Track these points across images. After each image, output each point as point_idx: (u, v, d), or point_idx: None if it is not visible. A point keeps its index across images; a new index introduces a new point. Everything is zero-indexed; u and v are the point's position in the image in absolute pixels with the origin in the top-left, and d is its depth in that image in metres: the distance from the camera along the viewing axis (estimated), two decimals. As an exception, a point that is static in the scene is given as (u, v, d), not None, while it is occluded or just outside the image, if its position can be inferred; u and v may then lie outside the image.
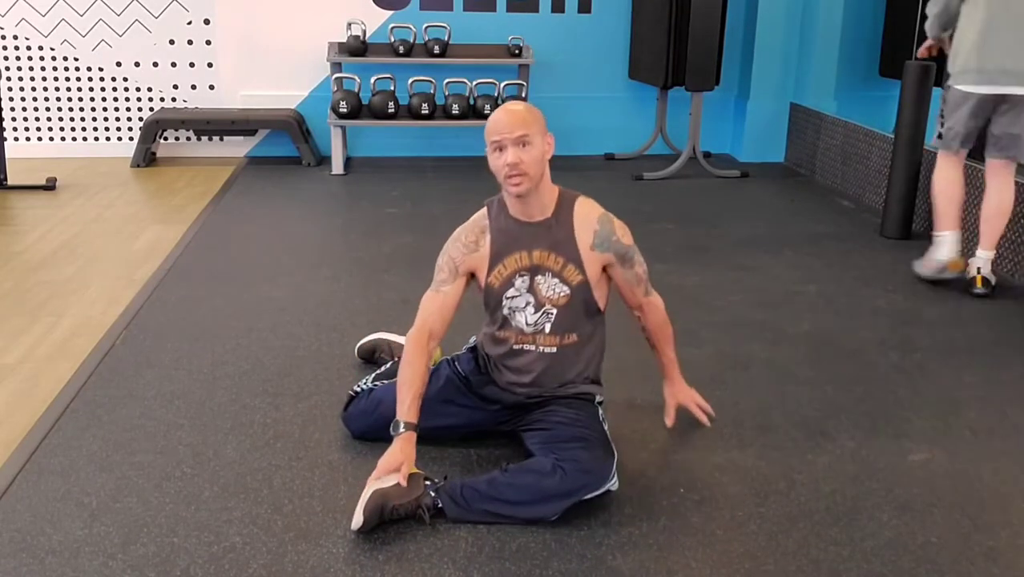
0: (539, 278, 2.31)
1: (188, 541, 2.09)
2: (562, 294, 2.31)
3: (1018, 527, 2.21)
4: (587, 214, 2.33)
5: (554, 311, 2.32)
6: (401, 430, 2.23)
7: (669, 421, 2.61)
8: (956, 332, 3.42)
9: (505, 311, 2.34)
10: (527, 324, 2.34)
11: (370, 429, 2.50)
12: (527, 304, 2.33)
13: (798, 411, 2.77)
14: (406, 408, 2.26)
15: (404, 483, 2.15)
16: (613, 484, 2.22)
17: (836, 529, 2.18)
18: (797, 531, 2.17)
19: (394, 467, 2.18)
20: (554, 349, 2.35)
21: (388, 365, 2.76)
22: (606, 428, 2.38)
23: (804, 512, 2.25)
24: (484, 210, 2.40)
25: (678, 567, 2.03)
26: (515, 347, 2.36)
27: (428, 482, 2.20)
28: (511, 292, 2.33)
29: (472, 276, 2.40)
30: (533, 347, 2.35)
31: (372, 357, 2.99)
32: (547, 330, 2.33)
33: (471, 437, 2.53)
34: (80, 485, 2.30)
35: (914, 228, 4.61)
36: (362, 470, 2.36)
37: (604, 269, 2.36)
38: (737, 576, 2.01)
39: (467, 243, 2.37)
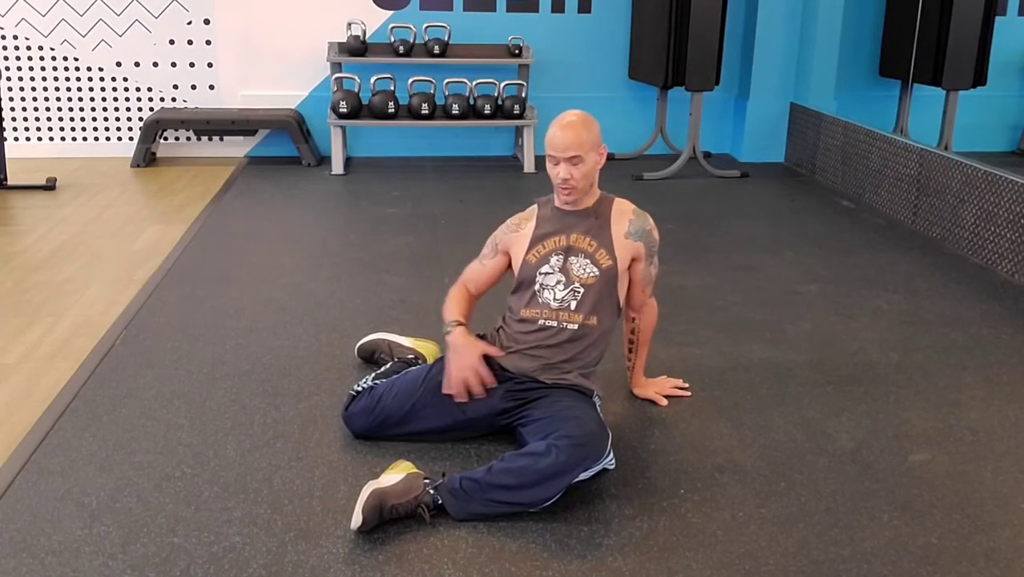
0: (572, 259, 2.50)
1: (188, 541, 2.09)
2: (591, 275, 2.49)
3: (1018, 527, 2.21)
4: (624, 209, 2.57)
5: (582, 290, 2.48)
6: (450, 328, 2.49)
7: (665, 402, 2.80)
8: (956, 332, 3.42)
9: (536, 286, 2.51)
10: (555, 300, 2.48)
11: (371, 427, 2.51)
12: (558, 282, 2.49)
13: (798, 411, 2.77)
14: (453, 313, 2.54)
15: (493, 354, 2.47)
16: (609, 462, 2.23)
17: (836, 529, 2.18)
18: (797, 531, 2.17)
19: (471, 362, 2.41)
20: (576, 326, 2.47)
21: (388, 365, 2.76)
22: (601, 417, 2.41)
23: (804, 512, 2.25)
24: (535, 204, 2.63)
25: (678, 568, 2.03)
26: (540, 322, 2.49)
27: (427, 480, 2.20)
28: (545, 268, 2.51)
29: (510, 260, 2.61)
30: (556, 323, 2.48)
31: (372, 357, 2.99)
32: (572, 307, 2.48)
33: (469, 437, 2.53)
34: (80, 485, 2.30)
35: None
36: (362, 470, 2.37)
37: (629, 265, 2.55)
38: (737, 576, 2.01)
39: (511, 225, 2.62)
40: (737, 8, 6.33)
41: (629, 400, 2.82)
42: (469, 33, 6.24)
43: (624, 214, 2.55)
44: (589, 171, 2.44)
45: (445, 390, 2.45)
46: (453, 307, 2.57)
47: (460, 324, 2.51)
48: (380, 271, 4.01)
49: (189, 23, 6.15)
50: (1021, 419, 2.75)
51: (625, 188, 5.57)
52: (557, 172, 2.43)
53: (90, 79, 6.19)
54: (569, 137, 2.39)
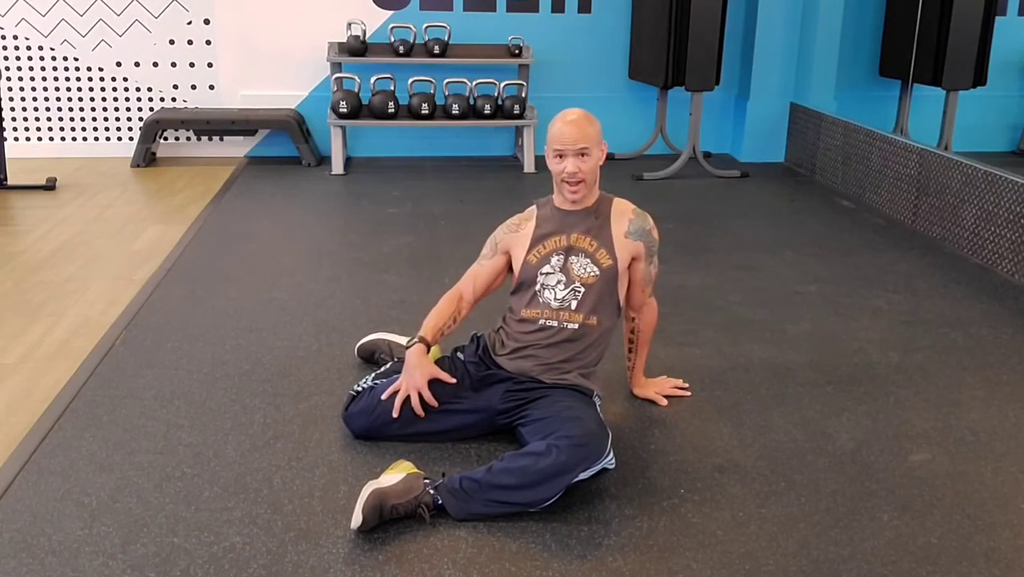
0: (573, 258, 2.51)
1: (188, 541, 2.09)
2: (592, 274, 2.49)
3: (1018, 527, 2.21)
4: (624, 208, 2.57)
5: (582, 289, 2.49)
6: (412, 341, 2.51)
7: (665, 402, 2.80)
8: (956, 332, 3.42)
9: (537, 286, 2.51)
10: (555, 299, 2.49)
11: (371, 427, 2.51)
12: (558, 281, 2.50)
13: (798, 411, 2.77)
14: (425, 328, 2.54)
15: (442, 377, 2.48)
16: (609, 462, 2.23)
17: (836, 530, 2.18)
18: (797, 532, 2.17)
19: (417, 384, 2.44)
20: (576, 326, 2.48)
21: (388, 365, 2.76)
22: (601, 417, 2.42)
23: (804, 512, 2.25)
24: (534, 205, 2.63)
25: (678, 568, 2.03)
26: (540, 322, 2.50)
27: (427, 480, 2.20)
28: (546, 268, 2.51)
29: (509, 260, 2.60)
30: (556, 323, 2.49)
31: (372, 357, 2.99)
32: (573, 307, 2.49)
33: (469, 437, 2.53)
34: (80, 485, 2.30)
35: None
36: (362, 470, 2.37)
37: (629, 264, 2.55)
38: None
39: (511, 225, 2.62)
40: (737, 8, 6.33)
41: (629, 400, 2.82)
42: (469, 33, 6.24)
43: (624, 213, 2.55)
44: (595, 165, 2.47)
45: (385, 397, 2.48)
46: (431, 319, 2.57)
47: (423, 341, 2.51)
48: (380, 271, 4.01)
49: (189, 23, 6.15)
50: (1021, 419, 2.75)
51: (625, 188, 5.57)
52: (563, 167, 2.43)
53: (90, 79, 6.19)
54: (576, 131, 2.41)
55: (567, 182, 2.45)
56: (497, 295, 2.71)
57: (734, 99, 6.60)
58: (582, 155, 2.42)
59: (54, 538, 2.09)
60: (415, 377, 2.46)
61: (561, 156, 2.43)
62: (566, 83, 6.43)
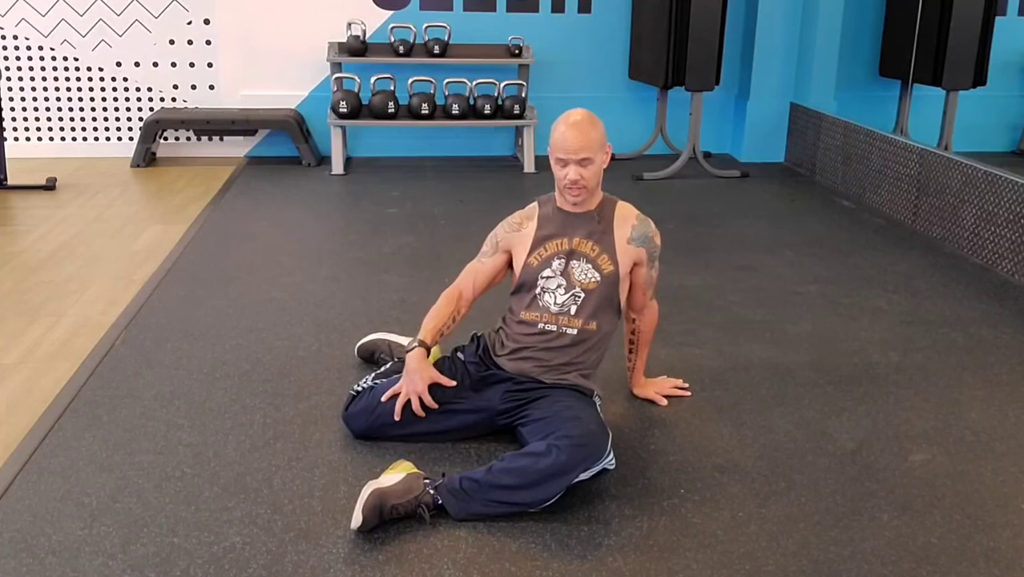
0: (574, 263, 2.49)
1: (188, 541, 2.09)
2: (593, 280, 2.48)
3: (1018, 527, 2.21)
4: (627, 213, 2.55)
5: (582, 295, 2.47)
6: (413, 345, 2.48)
7: (665, 402, 2.80)
8: (956, 332, 3.42)
9: (537, 290, 2.50)
10: (555, 304, 2.48)
11: (371, 427, 2.51)
12: (559, 285, 2.49)
13: (798, 411, 2.77)
14: (424, 331, 2.51)
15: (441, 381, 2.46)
16: (609, 462, 2.23)
17: (836, 530, 2.18)
18: (797, 532, 2.17)
19: (418, 388, 2.42)
20: (575, 331, 2.47)
21: (388, 365, 2.76)
22: (601, 416, 2.42)
23: (804, 512, 2.25)
24: (536, 203, 2.60)
25: (678, 568, 2.03)
26: (539, 326, 2.49)
27: (427, 480, 2.20)
28: (547, 272, 2.50)
29: (510, 258, 2.58)
30: (555, 327, 2.48)
31: (372, 357, 2.99)
32: (572, 312, 2.47)
33: (469, 437, 2.54)
34: (80, 485, 2.30)
35: None
36: (362, 470, 2.37)
37: (630, 270, 2.54)
38: None
39: (512, 224, 2.59)
40: (737, 8, 6.33)
41: (629, 400, 2.82)
42: (469, 33, 6.24)
43: (627, 219, 2.54)
44: (598, 170, 2.44)
45: (385, 399, 2.47)
46: (430, 321, 2.53)
47: (423, 345, 2.48)
48: (380, 271, 4.01)
49: (189, 23, 6.15)
50: (1021, 419, 2.75)
51: (625, 188, 5.57)
52: (565, 174, 2.40)
53: (90, 79, 6.19)
54: (580, 138, 2.37)
55: (569, 188, 2.43)
56: (498, 295, 2.71)
57: (734, 99, 6.60)
58: (584, 164, 2.39)
59: (54, 538, 2.09)
60: (415, 381, 2.45)
61: (564, 164, 2.41)
62: (566, 83, 6.43)
